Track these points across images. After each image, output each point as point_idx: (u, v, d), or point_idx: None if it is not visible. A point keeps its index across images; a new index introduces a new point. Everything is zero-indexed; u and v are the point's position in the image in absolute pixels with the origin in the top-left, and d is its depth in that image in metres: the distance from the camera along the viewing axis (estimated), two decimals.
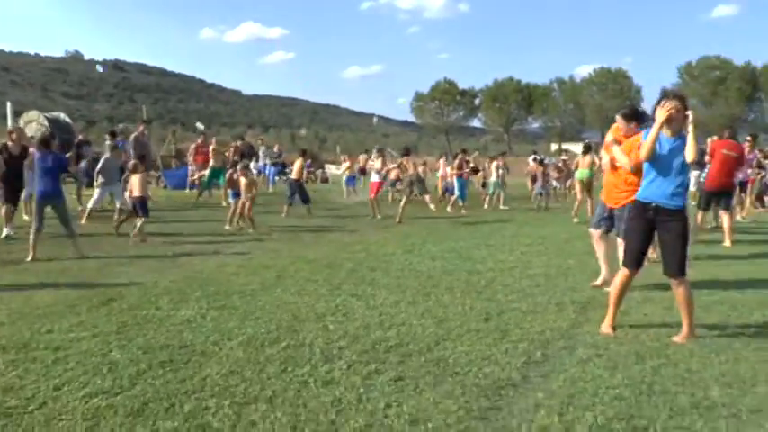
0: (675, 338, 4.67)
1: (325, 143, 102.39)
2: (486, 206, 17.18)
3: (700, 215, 10.32)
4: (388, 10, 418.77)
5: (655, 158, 4.71)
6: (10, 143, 9.90)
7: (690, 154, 4.56)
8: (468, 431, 3.18)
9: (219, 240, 9.83)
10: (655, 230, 4.81)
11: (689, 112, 4.67)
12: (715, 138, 11.32)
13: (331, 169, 35.74)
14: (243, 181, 11.18)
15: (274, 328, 4.94)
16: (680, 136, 4.69)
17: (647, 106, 64.08)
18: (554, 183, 20.83)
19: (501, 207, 17.19)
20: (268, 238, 10.31)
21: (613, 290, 4.93)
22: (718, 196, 10.26)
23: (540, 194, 17.56)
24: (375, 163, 15.24)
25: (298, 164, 14.56)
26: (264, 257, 8.29)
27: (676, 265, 4.66)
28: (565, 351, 4.44)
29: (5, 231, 9.55)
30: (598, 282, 6.57)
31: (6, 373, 3.93)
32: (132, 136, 17.07)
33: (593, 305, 5.74)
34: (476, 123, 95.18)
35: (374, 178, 14.71)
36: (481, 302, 5.86)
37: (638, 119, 6.23)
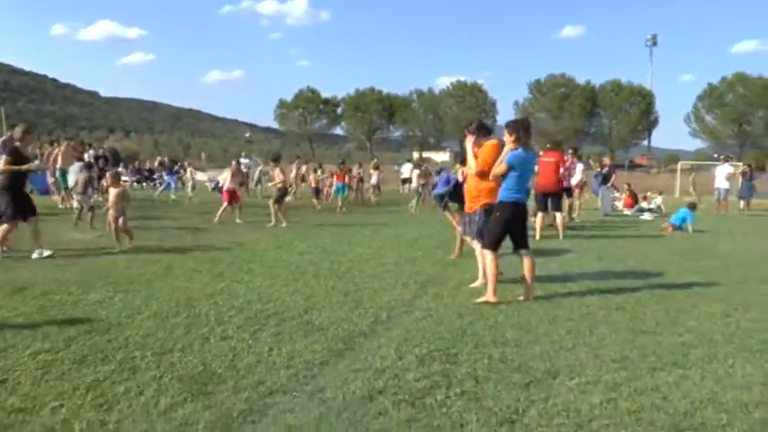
0: (520, 297, 6.37)
1: (189, 149, 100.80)
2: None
3: (538, 216, 12.24)
4: (249, 14, 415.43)
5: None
6: None
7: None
8: (330, 363, 4.48)
9: (102, 243, 10.50)
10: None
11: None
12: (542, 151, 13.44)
13: (197, 175, 36.09)
14: (112, 191, 10.01)
15: (174, 305, 6.05)
16: None
17: (500, 118, 68.07)
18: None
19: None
20: (150, 237, 11.15)
21: (492, 271, 6.36)
22: (546, 197, 12.32)
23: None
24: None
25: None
26: (151, 255, 9.22)
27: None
28: (405, 314, 5.87)
29: None
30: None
31: None
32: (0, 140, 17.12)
33: (432, 283, 7.25)
34: (338, 131, 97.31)
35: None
36: (341, 284, 7.23)
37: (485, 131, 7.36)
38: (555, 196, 12.45)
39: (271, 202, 14.19)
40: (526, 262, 6.47)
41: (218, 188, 21.76)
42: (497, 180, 6.50)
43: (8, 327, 5.22)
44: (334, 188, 21.31)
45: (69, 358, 4.46)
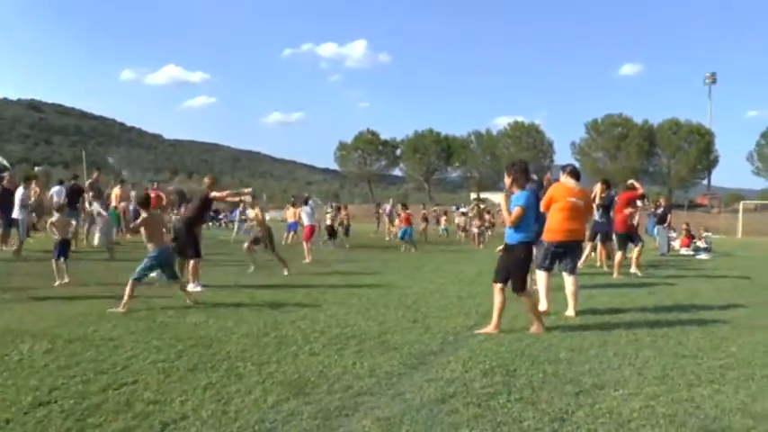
0: (532, 329, 6.87)
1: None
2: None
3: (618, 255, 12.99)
4: (309, 57, 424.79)
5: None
6: None
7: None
8: (406, 374, 5.20)
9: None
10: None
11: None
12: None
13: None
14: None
15: (262, 327, 6.88)
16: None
17: (557, 158, 67.76)
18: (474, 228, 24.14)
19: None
20: (228, 272, 12.08)
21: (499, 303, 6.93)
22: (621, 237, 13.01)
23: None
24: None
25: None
26: (231, 288, 10.12)
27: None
28: (469, 337, 6.56)
29: None
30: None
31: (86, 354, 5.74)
32: (88, 183, 18.61)
33: (491, 314, 7.90)
34: (397, 172, 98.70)
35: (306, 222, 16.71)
36: (410, 313, 7.97)
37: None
38: (629, 236, 13.10)
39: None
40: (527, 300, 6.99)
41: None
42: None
43: (127, 342, 6.12)
44: (400, 231, 21.01)
45: (183, 366, 5.30)
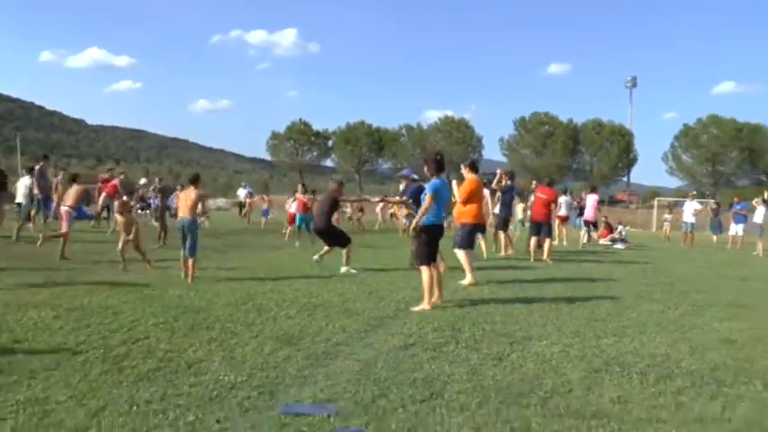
0: (418, 308, 7.71)
1: (179, 179, 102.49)
2: None
3: (533, 240, 14.34)
4: (238, 44, 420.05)
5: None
6: None
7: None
8: (371, 331, 6.31)
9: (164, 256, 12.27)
10: None
11: None
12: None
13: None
14: (121, 219, 10.90)
15: (239, 297, 7.88)
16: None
17: (486, 153, 69.60)
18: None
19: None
20: None
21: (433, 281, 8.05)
22: (539, 226, 14.31)
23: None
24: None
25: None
26: (200, 270, 11.03)
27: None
28: (418, 305, 7.71)
29: None
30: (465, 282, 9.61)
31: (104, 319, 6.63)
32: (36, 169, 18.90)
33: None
34: (329, 163, 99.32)
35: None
36: (364, 287, 9.09)
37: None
38: (545, 225, 14.43)
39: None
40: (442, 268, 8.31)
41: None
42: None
43: (125, 310, 7.02)
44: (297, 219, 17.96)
45: (182, 327, 6.27)
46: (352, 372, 4.82)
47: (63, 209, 12.09)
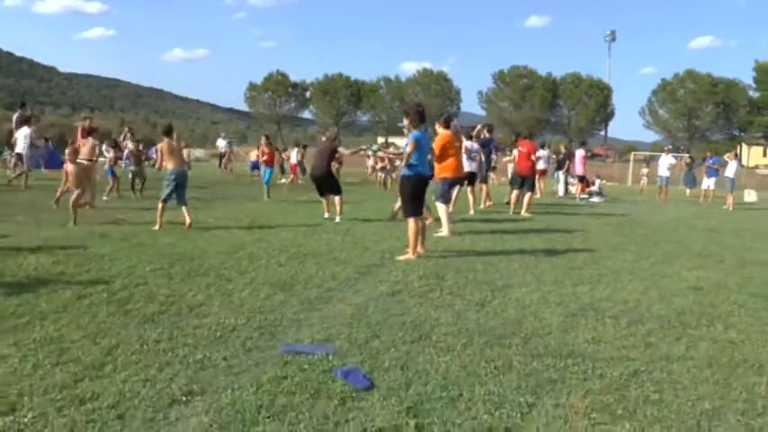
0: (403, 257, 8.39)
1: (155, 129, 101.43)
2: None
3: (514, 193, 14.65)
4: None
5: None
6: None
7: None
8: (360, 279, 6.62)
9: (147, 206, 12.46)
10: None
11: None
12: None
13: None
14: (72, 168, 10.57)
15: (230, 246, 8.15)
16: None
17: (464, 106, 69.64)
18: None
19: None
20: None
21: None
22: (523, 179, 14.61)
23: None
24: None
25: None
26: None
27: None
28: (400, 257, 8.03)
29: None
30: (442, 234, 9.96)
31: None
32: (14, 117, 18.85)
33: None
34: (306, 115, 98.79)
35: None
36: (348, 237, 9.40)
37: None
38: (528, 179, 14.74)
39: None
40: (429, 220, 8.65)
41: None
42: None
43: (119, 258, 7.26)
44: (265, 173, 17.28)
45: (178, 273, 6.54)
46: (345, 315, 5.13)
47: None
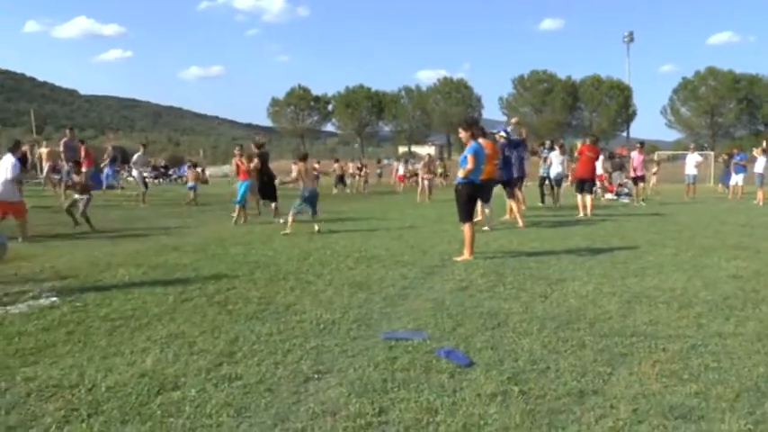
0: (460, 258, 9.01)
1: (178, 146, 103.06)
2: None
3: (579, 197, 15.34)
4: (225, 11, 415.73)
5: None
6: None
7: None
8: (427, 278, 7.24)
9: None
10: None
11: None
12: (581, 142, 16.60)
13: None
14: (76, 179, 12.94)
15: (298, 253, 8.82)
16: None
17: (485, 112, 69.85)
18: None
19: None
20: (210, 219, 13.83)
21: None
22: (584, 183, 15.26)
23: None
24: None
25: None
26: (246, 227, 11.93)
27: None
28: (458, 258, 8.64)
29: None
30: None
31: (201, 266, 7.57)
32: (62, 142, 19.80)
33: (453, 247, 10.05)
34: (329, 128, 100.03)
35: None
36: (403, 242, 10.04)
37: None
38: (589, 183, 15.59)
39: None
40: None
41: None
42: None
43: (202, 267, 7.96)
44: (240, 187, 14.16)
45: (261, 279, 7.21)
46: (427, 309, 5.76)
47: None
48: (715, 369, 4.14)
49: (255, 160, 13.96)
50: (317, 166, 18.23)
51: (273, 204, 14.10)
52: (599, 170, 20.40)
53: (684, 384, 3.87)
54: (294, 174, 12.06)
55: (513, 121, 15.18)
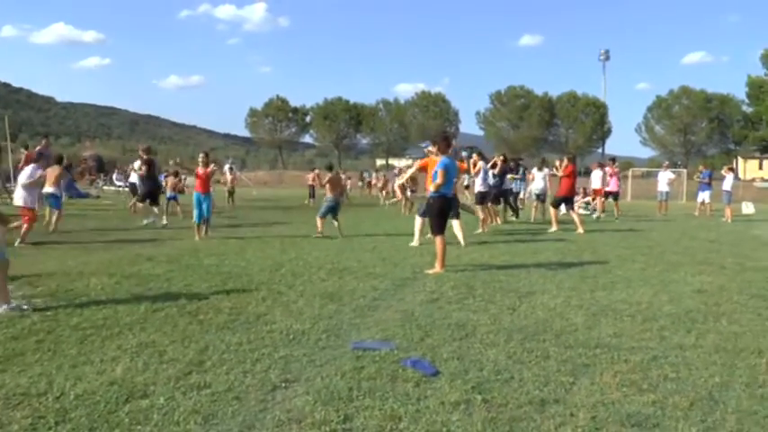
0: (432, 271, 9.13)
1: (157, 155, 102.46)
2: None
3: (553, 211, 15.76)
4: (206, 20, 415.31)
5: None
6: None
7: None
8: (398, 289, 7.32)
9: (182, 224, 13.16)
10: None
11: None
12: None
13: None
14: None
15: (270, 264, 8.86)
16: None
17: (463, 127, 70.48)
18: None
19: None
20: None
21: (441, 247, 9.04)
22: (566, 200, 15.63)
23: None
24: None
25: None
26: (219, 239, 11.94)
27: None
28: (429, 271, 8.73)
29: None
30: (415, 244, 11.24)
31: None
32: (36, 150, 19.59)
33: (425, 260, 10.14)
34: (306, 139, 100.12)
35: None
36: (376, 254, 10.13)
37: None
38: (570, 199, 16.05)
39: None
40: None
41: None
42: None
43: (174, 277, 7.97)
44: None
45: (233, 289, 7.23)
46: (396, 320, 5.84)
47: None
48: (673, 379, 4.27)
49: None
50: (343, 176, 19.02)
51: (149, 204, 16.26)
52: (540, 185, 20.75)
53: (643, 394, 3.98)
54: (326, 182, 13.70)
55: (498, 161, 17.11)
